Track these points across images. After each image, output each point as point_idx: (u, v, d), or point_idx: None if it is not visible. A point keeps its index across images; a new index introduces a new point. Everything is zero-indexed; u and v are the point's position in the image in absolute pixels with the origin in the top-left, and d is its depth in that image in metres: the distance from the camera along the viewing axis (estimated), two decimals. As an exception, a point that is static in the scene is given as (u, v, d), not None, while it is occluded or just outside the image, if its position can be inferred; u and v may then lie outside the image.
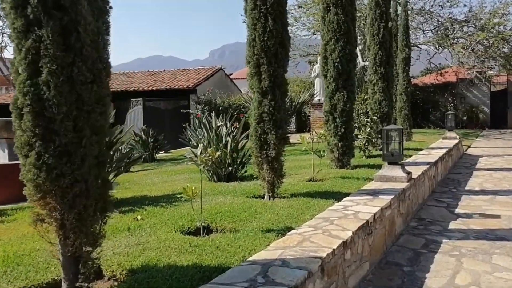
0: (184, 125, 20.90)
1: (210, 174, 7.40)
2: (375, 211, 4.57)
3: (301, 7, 20.74)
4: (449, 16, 21.13)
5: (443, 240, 5.21)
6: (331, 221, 4.18)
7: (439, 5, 21.85)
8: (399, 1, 13.91)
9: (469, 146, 15.34)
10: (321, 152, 6.83)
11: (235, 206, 5.05)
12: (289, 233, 3.88)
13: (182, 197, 6.03)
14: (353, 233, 3.83)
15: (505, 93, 25.44)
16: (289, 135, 13.44)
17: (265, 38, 5.27)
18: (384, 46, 10.29)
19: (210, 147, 7.53)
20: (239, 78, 31.75)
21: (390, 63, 10.40)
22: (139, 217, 4.70)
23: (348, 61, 7.80)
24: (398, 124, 13.73)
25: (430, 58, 24.77)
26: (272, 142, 5.40)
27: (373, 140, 9.33)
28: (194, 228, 4.30)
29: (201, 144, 7.84)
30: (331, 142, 8.01)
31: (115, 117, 21.48)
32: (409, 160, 8.57)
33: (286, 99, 5.67)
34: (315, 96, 19.10)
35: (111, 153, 5.67)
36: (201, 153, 4.13)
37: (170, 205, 5.39)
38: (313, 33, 23.65)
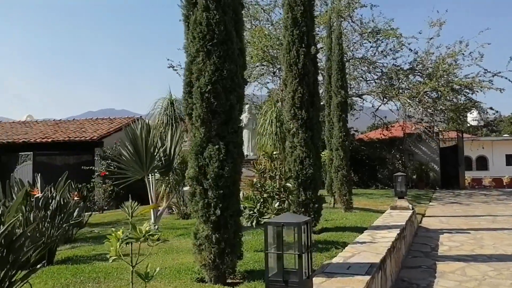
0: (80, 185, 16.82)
1: None
2: None
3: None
4: (394, 64, 18.90)
5: None
6: None
7: (382, 53, 19.73)
8: (333, 31, 11.03)
9: (423, 215, 12.31)
10: (147, 271, 3.23)
11: None
12: None
13: None
14: None
15: (455, 149, 23.31)
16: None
17: None
18: (306, 81, 7.16)
19: None
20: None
21: (315, 105, 7.25)
22: None
23: (228, 91, 4.47)
24: (335, 189, 10.50)
25: (375, 111, 22.38)
26: None
27: (288, 220, 5.93)
28: None
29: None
30: (200, 233, 4.50)
31: (-1, 175, 13.81)
32: (337, 259, 5.13)
33: None
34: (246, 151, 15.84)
35: None
36: None
37: None
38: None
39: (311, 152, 7.13)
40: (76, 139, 18.51)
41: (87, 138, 18.35)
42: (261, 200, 5.87)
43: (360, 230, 7.32)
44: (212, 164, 4.37)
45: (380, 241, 6.15)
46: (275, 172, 6.01)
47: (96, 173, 17.18)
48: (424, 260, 7.23)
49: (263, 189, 5.88)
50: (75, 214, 7.00)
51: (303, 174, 7.08)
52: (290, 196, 5.99)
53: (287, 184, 5.95)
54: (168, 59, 20.62)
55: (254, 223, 5.85)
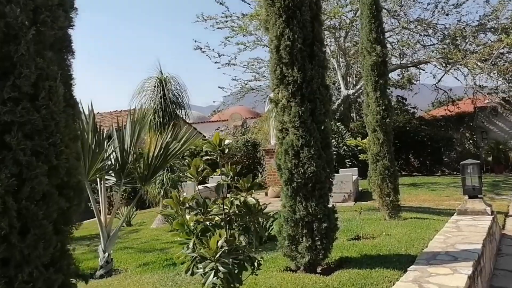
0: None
1: None
2: None
3: (245, 15, 15.13)
4: (458, 20, 15.16)
5: None
6: None
7: (442, 11, 16.03)
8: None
9: (506, 214, 8.93)
10: None
11: None
12: None
13: None
14: None
15: (541, 123, 19.02)
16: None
17: None
18: (298, 19, 4.29)
19: None
20: (215, 121, 26.63)
21: (316, 58, 4.36)
22: None
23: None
24: (374, 186, 7.44)
25: (437, 82, 18.68)
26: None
27: (253, 266, 3.17)
28: None
29: None
30: None
31: None
32: None
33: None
34: (271, 138, 13.20)
35: None
36: None
37: None
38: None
39: (312, 136, 4.27)
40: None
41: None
42: (200, 231, 3.14)
43: (404, 262, 4.37)
44: None
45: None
46: (230, 177, 3.25)
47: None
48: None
49: (202, 210, 3.16)
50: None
51: (299, 173, 4.25)
52: (254, 219, 3.21)
53: (249, 198, 3.20)
54: (195, 41, 18.51)
55: (189, 273, 3.16)
